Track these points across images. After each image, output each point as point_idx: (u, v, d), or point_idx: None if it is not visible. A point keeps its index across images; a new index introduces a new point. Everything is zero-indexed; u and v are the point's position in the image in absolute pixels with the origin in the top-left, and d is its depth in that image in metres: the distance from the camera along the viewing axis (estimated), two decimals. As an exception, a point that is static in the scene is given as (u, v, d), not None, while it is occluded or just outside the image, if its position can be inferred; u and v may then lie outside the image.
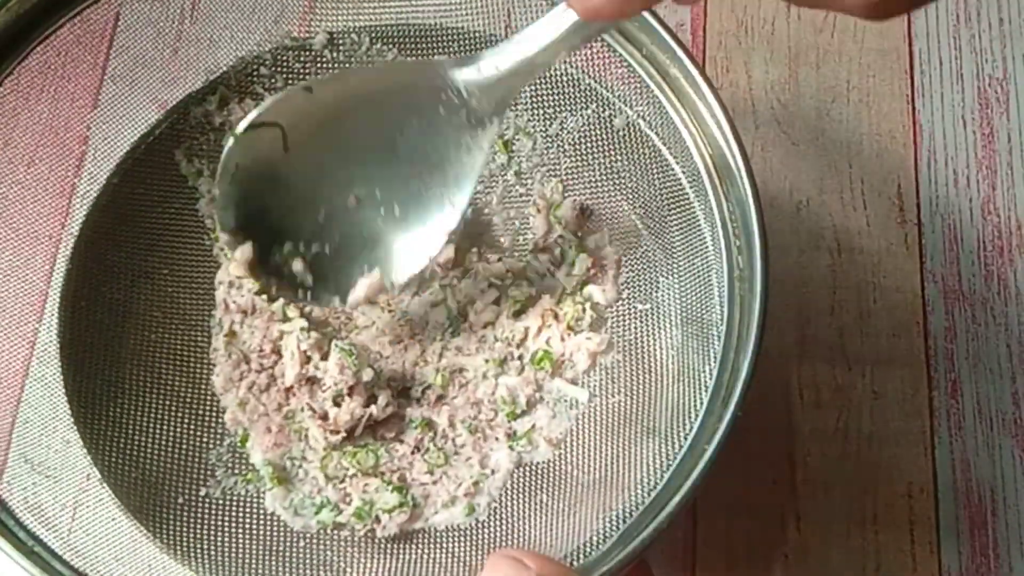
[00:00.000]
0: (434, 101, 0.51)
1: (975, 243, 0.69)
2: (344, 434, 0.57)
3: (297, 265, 0.55)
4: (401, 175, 0.54)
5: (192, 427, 0.58)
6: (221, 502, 0.56)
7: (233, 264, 0.54)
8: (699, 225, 0.56)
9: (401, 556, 0.55)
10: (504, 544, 0.54)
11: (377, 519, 0.56)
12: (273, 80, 0.63)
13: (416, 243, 0.55)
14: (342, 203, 0.55)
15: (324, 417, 0.57)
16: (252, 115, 0.52)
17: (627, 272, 0.61)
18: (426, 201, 0.54)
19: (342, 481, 0.57)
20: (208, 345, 0.61)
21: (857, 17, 0.36)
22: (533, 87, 0.62)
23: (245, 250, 0.54)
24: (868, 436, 0.64)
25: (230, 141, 0.52)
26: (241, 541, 0.55)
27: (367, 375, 0.57)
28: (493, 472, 0.57)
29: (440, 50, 0.63)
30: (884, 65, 0.74)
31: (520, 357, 0.59)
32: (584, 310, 0.59)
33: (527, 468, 0.57)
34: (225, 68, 0.62)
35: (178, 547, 0.53)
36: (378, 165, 0.54)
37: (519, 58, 0.49)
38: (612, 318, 0.60)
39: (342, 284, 0.55)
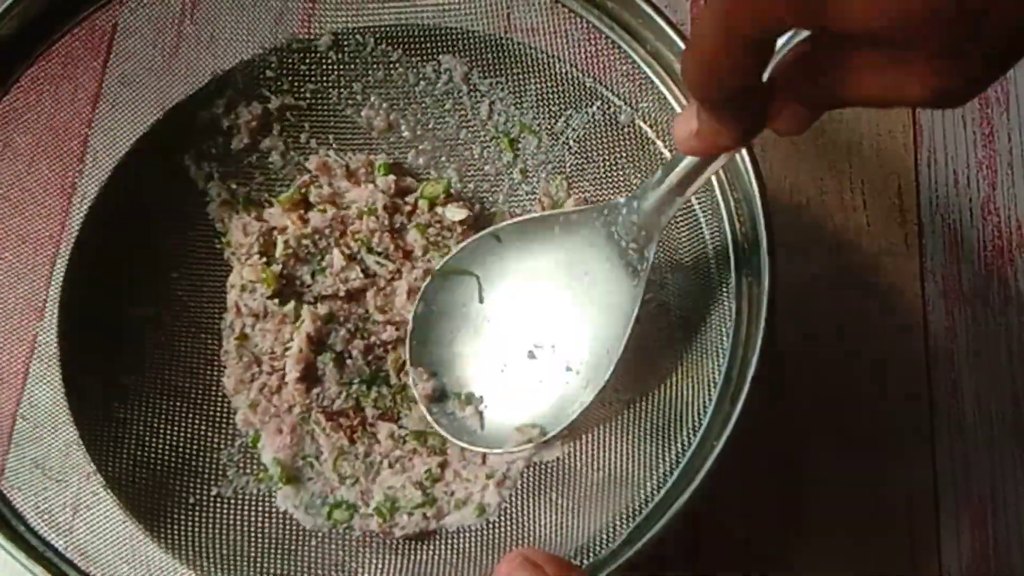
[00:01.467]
0: (598, 253, 0.56)
1: (975, 243, 0.71)
2: (347, 439, 0.58)
3: (468, 412, 0.59)
4: (572, 326, 0.58)
5: (203, 428, 0.59)
6: (233, 501, 0.58)
7: (415, 391, 0.59)
8: (703, 222, 0.57)
9: (413, 556, 0.56)
10: (514, 542, 0.55)
11: (396, 519, 0.57)
12: (279, 83, 0.64)
13: (572, 394, 0.58)
14: (521, 356, 0.59)
15: (331, 416, 0.58)
16: (448, 258, 0.60)
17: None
18: (592, 350, 0.57)
19: (356, 481, 0.58)
20: (218, 347, 0.62)
21: (930, 108, 0.37)
22: (539, 85, 0.64)
23: (427, 387, 0.59)
24: (868, 436, 0.65)
25: (427, 280, 0.60)
26: (253, 540, 0.56)
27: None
28: (504, 473, 0.58)
29: (446, 49, 0.64)
30: (884, 65, 0.75)
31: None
32: None
33: (538, 468, 0.59)
34: (227, 69, 0.63)
35: (188, 547, 0.54)
36: (553, 317, 0.58)
37: (649, 204, 0.53)
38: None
39: (498, 436, 0.58)
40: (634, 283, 0.55)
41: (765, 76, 0.39)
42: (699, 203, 0.57)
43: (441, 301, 0.60)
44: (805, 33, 0.38)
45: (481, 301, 0.60)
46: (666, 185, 0.51)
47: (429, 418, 0.58)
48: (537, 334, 0.59)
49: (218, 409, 0.60)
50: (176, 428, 0.59)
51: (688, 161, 0.49)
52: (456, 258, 0.60)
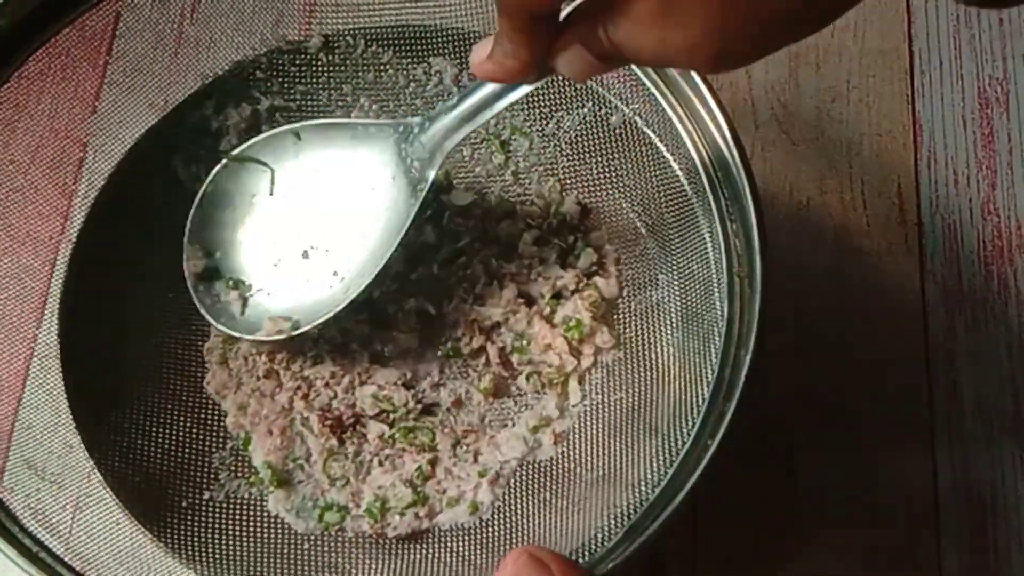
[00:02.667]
0: (385, 168, 0.59)
1: (975, 243, 0.71)
2: (336, 439, 0.59)
3: (232, 297, 0.60)
4: (348, 234, 0.60)
5: (195, 430, 0.60)
6: (225, 505, 0.58)
7: (185, 266, 0.60)
8: (698, 222, 0.57)
9: (406, 556, 0.57)
10: (509, 542, 0.56)
11: (388, 519, 0.58)
12: (269, 84, 0.65)
13: (331, 297, 0.60)
14: (296, 254, 0.60)
15: (322, 411, 0.59)
16: (245, 146, 0.60)
17: (626, 269, 0.63)
18: (360, 260, 0.59)
19: (346, 483, 0.59)
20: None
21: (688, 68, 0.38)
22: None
23: (198, 264, 0.60)
24: (868, 435, 0.66)
25: (222, 162, 0.60)
26: (246, 544, 0.57)
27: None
28: (498, 472, 0.59)
29: (436, 51, 0.65)
30: (884, 65, 0.76)
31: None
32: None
33: (531, 466, 0.59)
34: (222, 71, 0.64)
35: (183, 550, 0.55)
36: (333, 222, 0.60)
37: (438, 127, 0.56)
38: (612, 315, 0.62)
39: (255, 324, 0.60)
40: (411, 201, 0.58)
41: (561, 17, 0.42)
42: (694, 201, 0.58)
43: (231, 187, 0.61)
44: None
45: (271, 194, 0.61)
46: (458, 111, 0.55)
47: (194, 296, 0.60)
48: (314, 236, 0.61)
49: (210, 412, 0.61)
50: (170, 431, 0.60)
51: (483, 91, 0.53)
52: (254, 148, 0.61)
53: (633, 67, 0.59)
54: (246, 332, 0.60)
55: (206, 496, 0.58)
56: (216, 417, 0.61)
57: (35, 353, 0.59)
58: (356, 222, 0.60)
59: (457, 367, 0.62)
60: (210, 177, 0.61)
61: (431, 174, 0.57)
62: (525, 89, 0.51)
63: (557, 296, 0.63)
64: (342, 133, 0.60)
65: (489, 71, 0.46)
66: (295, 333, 0.59)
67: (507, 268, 0.63)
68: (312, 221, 0.61)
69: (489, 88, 0.52)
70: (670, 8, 0.36)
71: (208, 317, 0.60)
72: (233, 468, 0.60)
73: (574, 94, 0.64)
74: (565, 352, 0.61)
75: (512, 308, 0.62)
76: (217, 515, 0.58)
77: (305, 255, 0.60)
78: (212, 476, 0.59)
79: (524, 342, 0.62)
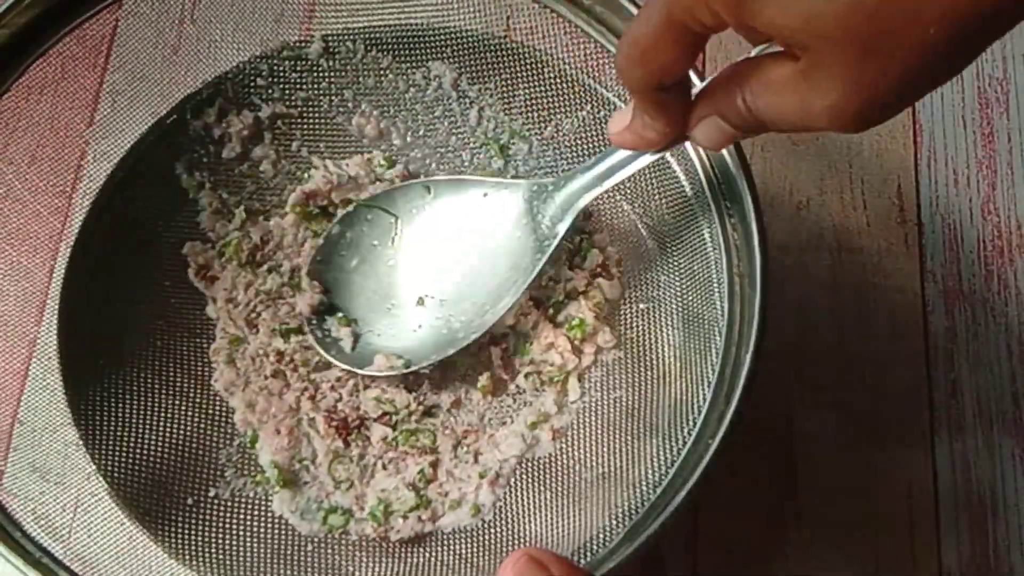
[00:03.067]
0: (514, 223, 0.60)
1: (975, 243, 0.71)
2: (342, 441, 0.60)
3: (344, 333, 0.62)
4: (466, 286, 0.62)
5: (202, 426, 0.61)
6: (230, 503, 0.59)
7: (299, 300, 0.62)
8: (698, 222, 0.58)
9: (409, 559, 0.57)
10: (511, 544, 0.56)
11: (391, 523, 0.58)
12: (271, 91, 0.65)
13: (440, 341, 0.61)
14: (411, 301, 0.62)
15: (328, 412, 0.60)
16: (376, 194, 0.64)
17: (628, 270, 0.64)
18: (473, 311, 0.61)
19: (351, 486, 0.59)
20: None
21: (837, 131, 0.39)
22: (528, 91, 0.65)
23: (314, 297, 0.62)
24: (868, 436, 0.66)
25: (350, 207, 0.64)
26: (249, 544, 0.57)
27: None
28: (497, 472, 0.59)
29: (435, 55, 0.65)
30: (883, 65, 0.76)
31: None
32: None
33: (531, 466, 0.60)
34: (219, 76, 0.64)
35: (186, 550, 0.55)
36: (452, 274, 0.62)
37: (573, 187, 0.58)
38: (614, 315, 0.63)
39: (366, 359, 0.61)
40: (538, 256, 0.59)
41: (694, 93, 0.44)
42: (694, 202, 0.58)
43: (356, 230, 0.63)
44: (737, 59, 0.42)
45: (392, 243, 0.63)
46: (594, 171, 0.56)
47: (305, 327, 0.62)
48: (431, 286, 0.62)
49: (217, 409, 0.62)
50: (175, 427, 0.60)
51: (619, 154, 0.54)
52: (384, 196, 0.63)
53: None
54: (356, 366, 0.61)
55: (212, 493, 0.59)
56: (224, 414, 0.62)
57: (35, 353, 0.59)
58: (475, 274, 0.61)
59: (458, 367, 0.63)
60: (337, 218, 0.63)
61: (562, 229, 0.59)
62: (659, 154, 0.52)
63: (567, 296, 0.63)
64: (474, 189, 0.62)
65: (629, 141, 0.48)
66: (406, 371, 0.60)
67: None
68: (431, 271, 0.62)
69: (625, 152, 0.54)
70: (809, 73, 0.37)
71: (317, 348, 0.61)
72: (240, 466, 0.60)
73: (573, 98, 0.64)
74: (567, 351, 0.61)
75: (523, 311, 0.62)
76: (222, 514, 0.58)
77: (420, 302, 0.62)
78: (218, 473, 0.59)
79: (527, 344, 0.62)
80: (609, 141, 0.50)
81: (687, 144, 0.57)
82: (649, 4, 0.39)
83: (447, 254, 0.62)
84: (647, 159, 0.53)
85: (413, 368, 0.60)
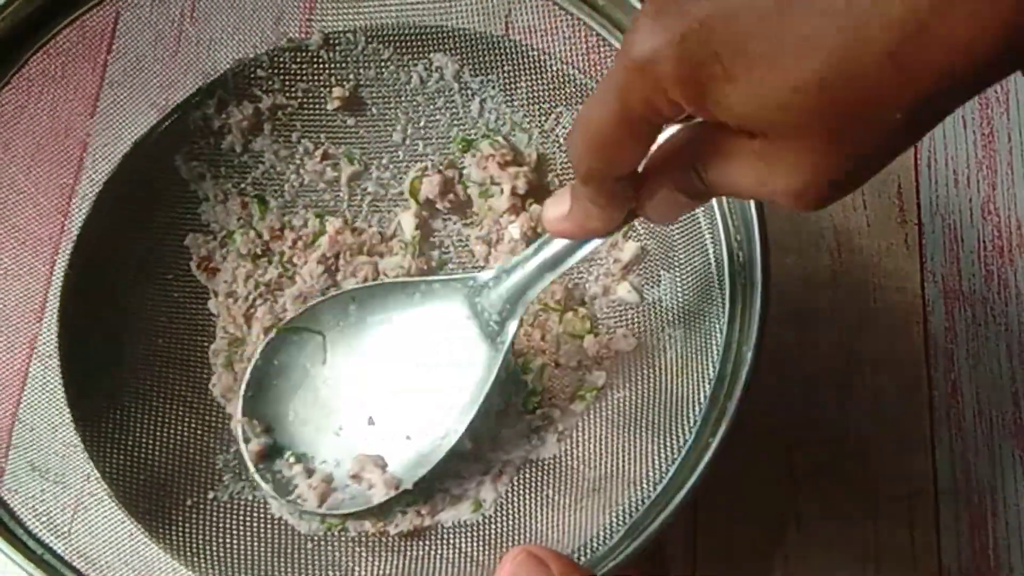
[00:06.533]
0: (458, 324, 0.57)
1: (975, 243, 0.72)
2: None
3: (296, 471, 0.59)
4: (418, 397, 0.59)
5: (199, 432, 0.61)
6: (229, 505, 0.59)
7: (242, 447, 0.59)
8: (698, 220, 0.58)
9: (409, 553, 0.58)
10: (511, 539, 0.57)
11: (390, 518, 0.58)
12: (271, 82, 0.65)
13: (413, 463, 0.58)
14: (360, 421, 0.59)
15: None
16: (296, 315, 0.60)
17: (629, 268, 0.64)
18: (434, 420, 0.58)
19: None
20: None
21: (792, 208, 0.38)
22: (529, 83, 0.65)
23: (260, 443, 0.59)
24: (868, 436, 0.67)
25: (271, 333, 0.60)
26: (249, 543, 0.57)
27: None
28: (500, 469, 0.60)
29: (436, 47, 0.66)
30: (884, 64, 0.76)
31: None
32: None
33: (533, 464, 0.60)
34: (224, 70, 0.64)
35: (186, 550, 0.56)
36: (399, 386, 0.59)
37: (515, 281, 0.55)
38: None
39: (327, 497, 0.58)
40: (493, 354, 0.57)
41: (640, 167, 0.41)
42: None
43: (283, 357, 0.60)
44: (678, 127, 0.40)
45: (324, 363, 0.60)
46: (535, 262, 0.54)
47: (255, 474, 0.58)
48: (377, 402, 0.59)
49: (213, 413, 0.62)
50: (173, 430, 0.60)
51: (560, 241, 0.52)
52: (304, 316, 0.61)
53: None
54: (332, 508, 0.58)
55: (210, 496, 0.59)
56: (221, 419, 0.62)
57: (35, 353, 0.60)
58: (426, 383, 0.59)
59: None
60: (258, 349, 0.60)
61: (512, 326, 0.56)
62: (608, 238, 0.50)
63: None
64: (404, 292, 0.59)
65: (569, 231, 0.44)
66: (397, 492, 0.57)
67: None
68: (376, 386, 0.59)
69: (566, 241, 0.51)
70: (768, 156, 0.36)
71: (273, 495, 0.58)
72: (237, 471, 0.60)
73: (574, 91, 0.64)
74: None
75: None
76: (221, 515, 0.58)
77: (371, 421, 0.59)
78: (216, 478, 0.60)
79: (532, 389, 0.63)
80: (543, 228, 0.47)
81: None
82: (604, 88, 0.37)
83: (386, 366, 0.59)
84: (594, 244, 0.51)
85: (404, 487, 0.57)
